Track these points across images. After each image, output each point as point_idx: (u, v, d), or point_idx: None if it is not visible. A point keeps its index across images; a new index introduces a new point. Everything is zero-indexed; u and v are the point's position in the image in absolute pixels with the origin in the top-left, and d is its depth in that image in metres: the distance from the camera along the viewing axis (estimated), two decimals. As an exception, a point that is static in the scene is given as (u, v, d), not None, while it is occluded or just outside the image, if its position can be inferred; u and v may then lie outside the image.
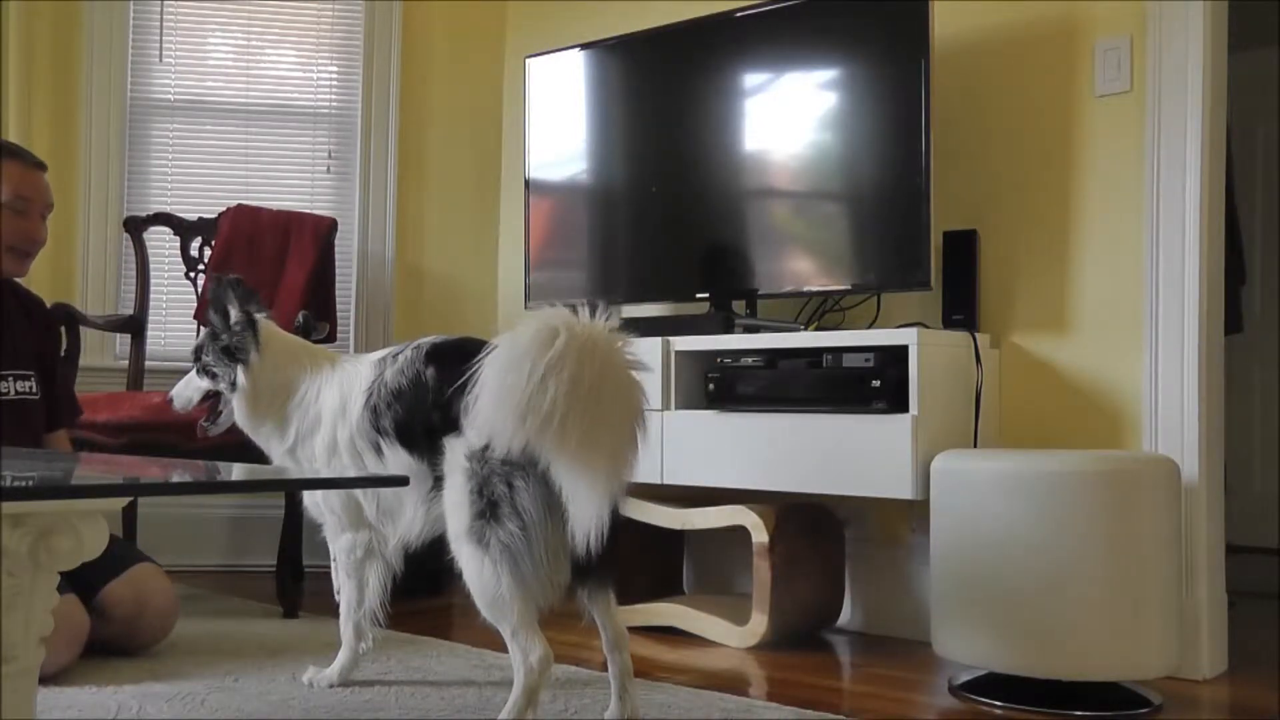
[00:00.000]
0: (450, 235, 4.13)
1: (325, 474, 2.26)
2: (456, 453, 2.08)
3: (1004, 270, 2.96)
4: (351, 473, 2.24)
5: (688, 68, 3.27)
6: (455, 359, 2.12)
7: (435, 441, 2.13)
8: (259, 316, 2.41)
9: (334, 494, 2.31)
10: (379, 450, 2.21)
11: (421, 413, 2.15)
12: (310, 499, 2.39)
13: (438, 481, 2.16)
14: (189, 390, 2.46)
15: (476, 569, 2.00)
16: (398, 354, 2.25)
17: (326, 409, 2.31)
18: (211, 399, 2.45)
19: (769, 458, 2.83)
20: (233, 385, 2.37)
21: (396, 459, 2.19)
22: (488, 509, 1.99)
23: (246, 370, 2.35)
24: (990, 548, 2.39)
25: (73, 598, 2.38)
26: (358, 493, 2.31)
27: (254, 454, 2.95)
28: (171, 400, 2.49)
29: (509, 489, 1.98)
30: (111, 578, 2.54)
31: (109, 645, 2.54)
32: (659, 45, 3.36)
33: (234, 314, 2.38)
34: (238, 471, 1.84)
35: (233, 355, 2.36)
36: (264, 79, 4.07)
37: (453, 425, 2.09)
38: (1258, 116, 4.72)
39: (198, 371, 2.43)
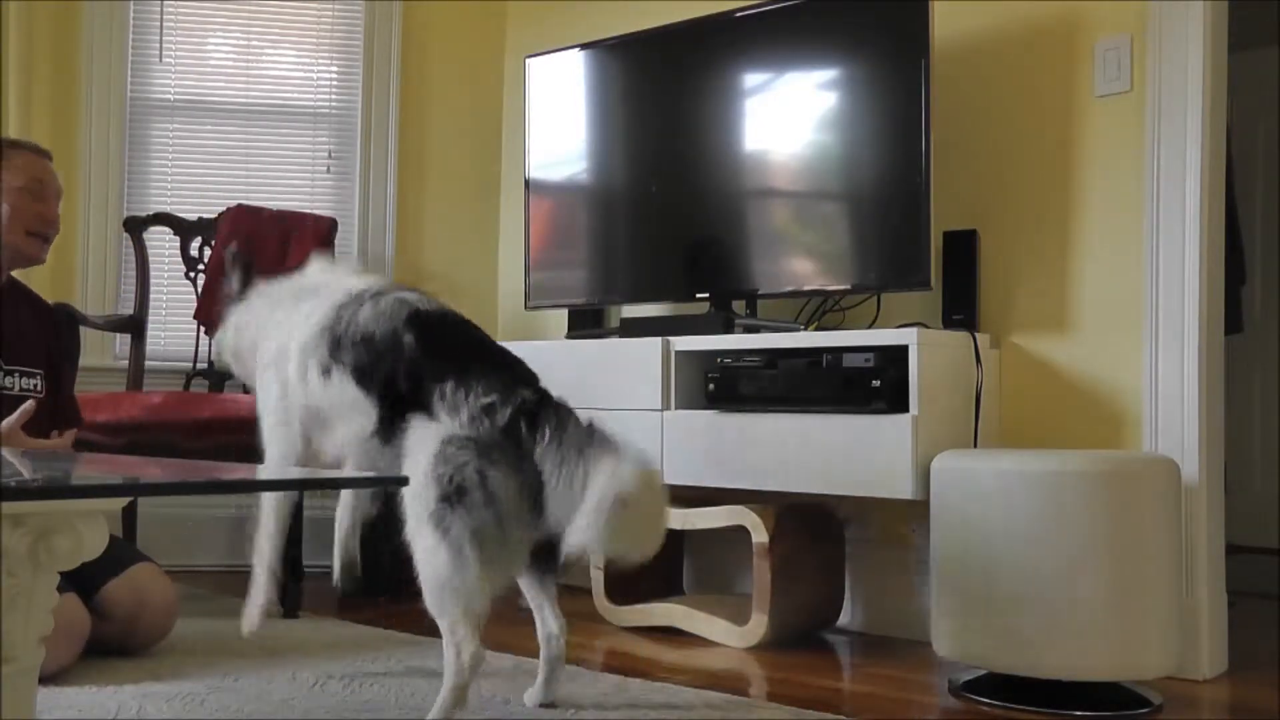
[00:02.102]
0: (450, 235, 4.13)
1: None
2: (427, 435, 2.03)
3: (1004, 270, 2.96)
4: (278, 375, 2.26)
5: (688, 68, 3.27)
6: (437, 337, 2.13)
7: (400, 407, 2.10)
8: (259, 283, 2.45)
9: (271, 398, 2.29)
10: (327, 373, 2.18)
11: (387, 370, 2.12)
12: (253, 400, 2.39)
13: (380, 435, 2.13)
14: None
15: (431, 555, 1.96)
16: (379, 296, 2.20)
17: (286, 320, 2.30)
18: None
19: (769, 458, 2.83)
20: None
21: (343, 390, 2.15)
22: (454, 494, 1.95)
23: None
24: (990, 548, 2.39)
25: (74, 597, 2.38)
26: (296, 397, 2.26)
27: (255, 454, 2.96)
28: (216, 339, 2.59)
29: (480, 477, 1.96)
30: (111, 577, 2.54)
31: (108, 645, 2.53)
32: (659, 45, 3.36)
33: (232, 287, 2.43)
34: (237, 472, 1.84)
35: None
36: (264, 79, 4.07)
37: (422, 404, 2.06)
38: (1258, 117, 4.72)
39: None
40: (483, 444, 1.98)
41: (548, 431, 1.98)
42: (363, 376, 2.15)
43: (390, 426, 2.12)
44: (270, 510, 2.33)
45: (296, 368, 2.24)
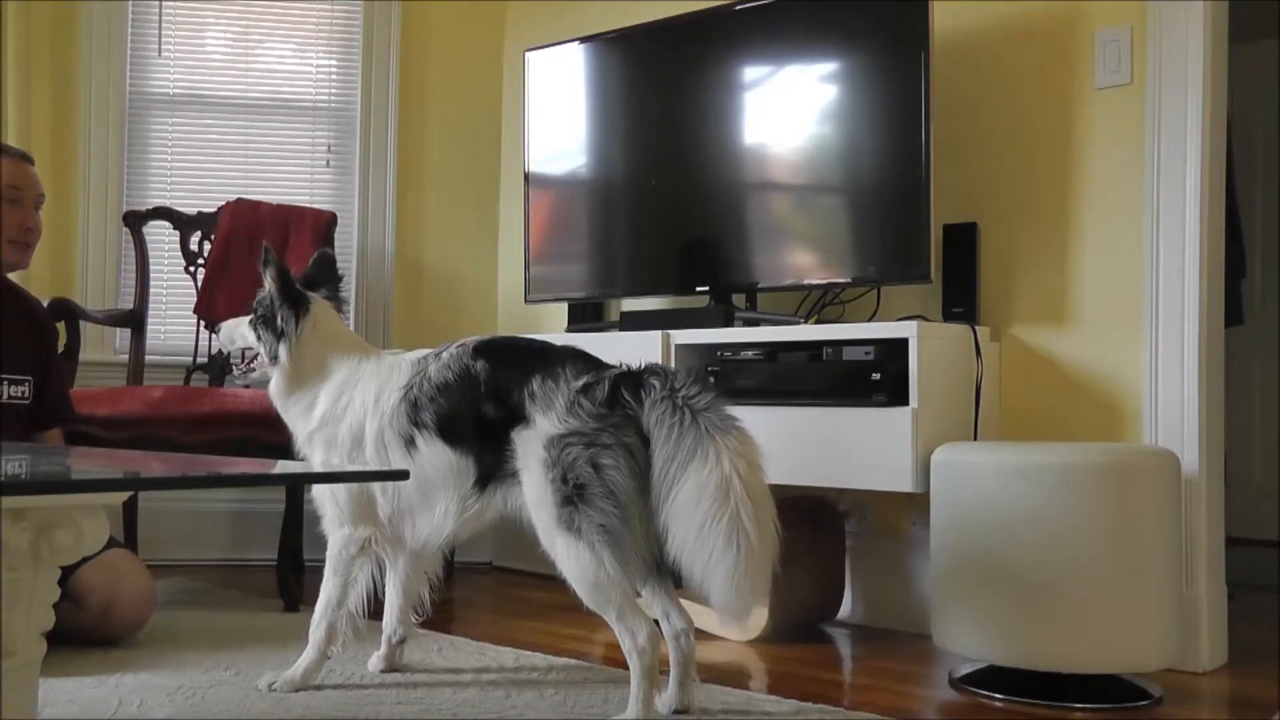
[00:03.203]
0: (450, 229, 4.13)
1: (321, 469, 2.25)
2: (531, 444, 2.05)
3: (1004, 263, 2.95)
4: (357, 467, 2.22)
5: (687, 61, 3.27)
6: (508, 353, 2.15)
7: (493, 436, 2.11)
8: (315, 296, 2.39)
9: (341, 486, 2.27)
10: (411, 443, 2.18)
11: (471, 406, 2.13)
12: (317, 488, 2.34)
13: (480, 482, 2.15)
14: (235, 334, 2.45)
15: (573, 556, 1.99)
16: (440, 352, 2.24)
17: (359, 398, 2.27)
18: (253, 352, 2.44)
19: (769, 451, 2.82)
20: (274, 358, 2.34)
21: (433, 452, 2.17)
22: (574, 494, 1.97)
23: (288, 348, 2.32)
24: (990, 541, 2.39)
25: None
26: (375, 488, 2.27)
27: (255, 448, 2.96)
28: (218, 331, 2.50)
29: (595, 470, 1.96)
30: (84, 560, 2.49)
31: (85, 634, 2.49)
32: (659, 38, 3.35)
33: (285, 292, 2.33)
34: (238, 466, 1.84)
35: (279, 331, 2.33)
36: (263, 73, 4.07)
37: (516, 417, 2.08)
38: (1258, 108, 4.71)
39: (249, 323, 2.40)
40: (587, 432, 1.99)
41: (655, 387, 2.00)
42: (448, 430, 2.15)
43: (490, 469, 2.13)
44: (334, 568, 2.31)
45: (374, 449, 2.22)
